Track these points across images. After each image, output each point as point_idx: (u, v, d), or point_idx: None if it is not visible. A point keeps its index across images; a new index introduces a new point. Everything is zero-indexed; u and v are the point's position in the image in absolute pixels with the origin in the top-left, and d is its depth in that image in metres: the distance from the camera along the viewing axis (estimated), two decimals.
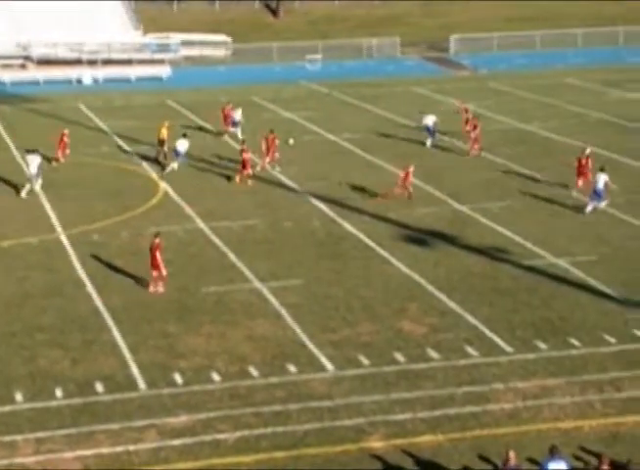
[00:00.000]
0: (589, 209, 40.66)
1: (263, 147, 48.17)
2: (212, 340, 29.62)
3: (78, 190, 45.62)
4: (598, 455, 22.28)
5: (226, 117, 55.66)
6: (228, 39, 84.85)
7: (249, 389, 26.61)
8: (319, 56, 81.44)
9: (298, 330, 30.18)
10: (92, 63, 78.66)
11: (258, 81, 73.69)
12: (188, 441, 24.19)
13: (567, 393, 26.18)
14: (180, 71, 78.39)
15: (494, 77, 74.10)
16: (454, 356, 28.29)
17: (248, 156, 46.45)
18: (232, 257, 36.27)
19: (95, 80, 76.13)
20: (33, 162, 44.80)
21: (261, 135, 49.22)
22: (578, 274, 34.25)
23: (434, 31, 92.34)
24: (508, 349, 28.76)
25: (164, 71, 77.52)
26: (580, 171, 43.77)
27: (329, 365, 27.90)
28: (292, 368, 27.74)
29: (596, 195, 40.71)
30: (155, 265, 33.03)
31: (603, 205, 40.92)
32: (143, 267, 34.09)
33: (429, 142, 52.65)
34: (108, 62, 78.73)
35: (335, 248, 37.41)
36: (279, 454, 23.58)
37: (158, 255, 32.96)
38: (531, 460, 22.67)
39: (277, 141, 48.56)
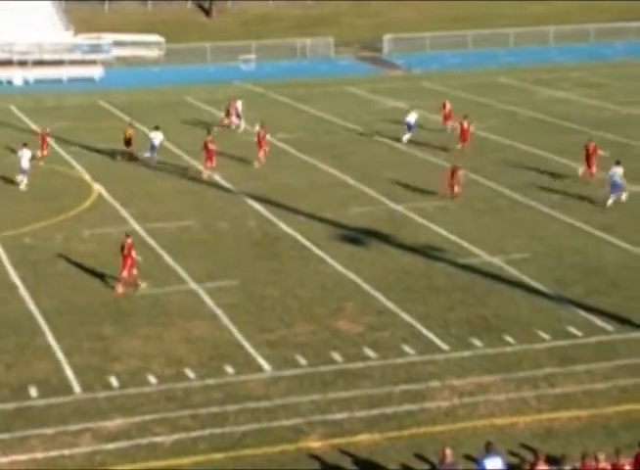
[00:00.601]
0: (610, 202, 41.47)
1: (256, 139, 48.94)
2: (148, 342, 29.42)
3: (9, 192, 45.06)
4: (534, 451, 22.50)
5: (229, 111, 56.98)
6: (161, 39, 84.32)
7: (185, 391, 26.47)
8: (253, 56, 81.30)
9: (235, 331, 30.10)
10: (23, 63, 77.76)
11: (192, 82, 73.36)
12: (124, 444, 23.99)
13: (502, 389, 26.39)
14: (112, 72, 77.80)
15: (428, 77, 74.53)
16: (391, 355, 28.39)
17: (214, 147, 46.63)
18: (167, 258, 36.08)
19: (26, 81, 75.29)
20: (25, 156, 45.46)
21: (199, 136, 48.91)
22: (513, 272, 34.56)
23: (367, 31, 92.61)
24: (444, 347, 28.93)
25: (96, 72, 76.87)
26: (587, 161, 44.94)
27: (266, 366, 27.86)
28: (229, 369, 27.64)
29: (614, 187, 41.61)
30: (126, 266, 32.92)
31: (624, 196, 41.91)
32: (76, 270, 33.73)
33: (405, 137, 53.08)
34: (39, 62, 77.83)
35: (271, 248, 37.37)
36: (217, 456, 23.49)
37: (133, 254, 32.97)
38: (468, 457, 22.81)
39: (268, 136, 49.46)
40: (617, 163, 42.20)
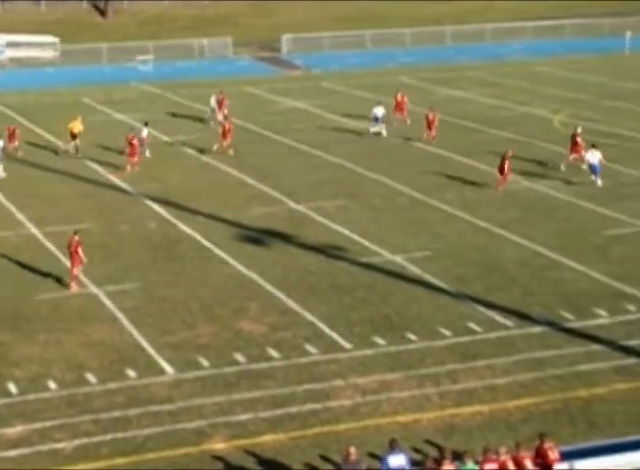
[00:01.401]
0: (599, 183, 43.64)
1: None
2: (48, 347, 28.94)
3: None
4: (438, 447, 22.70)
5: (220, 105, 57.44)
6: (55, 40, 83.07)
7: (86, 396, 26.09)
8: (150, 56, 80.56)
9: (136, 334, 29.78)
10: None
11: (88, 83, 72.42)
12: (24, 451, 23.56)
13: (405, 387, 26.57)
14: (6, 74, 76.42)
15: (327, 77, 74.74)
16: (294, 355, 28.38)
17: (137, 143, 46.90)
18: (66, 262, 35.53)
19: None
20: None
21: (97, 137, 48.29)
22: (414, 270, 34.82)
23: (266, 31, 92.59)
24: (347, 345, 29.01)
25: None
26: (573, 148, 46.47)
27: (168, 368, 27.61)
28: (131, 373, 27.34)
29: (592, 170, 44.11)
30: (75, 263, 33.06)
31: (599, 181, 44.13)
32: None
33: (372, 129, 54.09)
34: None
35: (171, 250, 37.07)
36: (120, 460, 23.20)
37: (80, 251, 32.90)
38: (372, 455, 22.90)
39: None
40: (593, 146, 44.65)
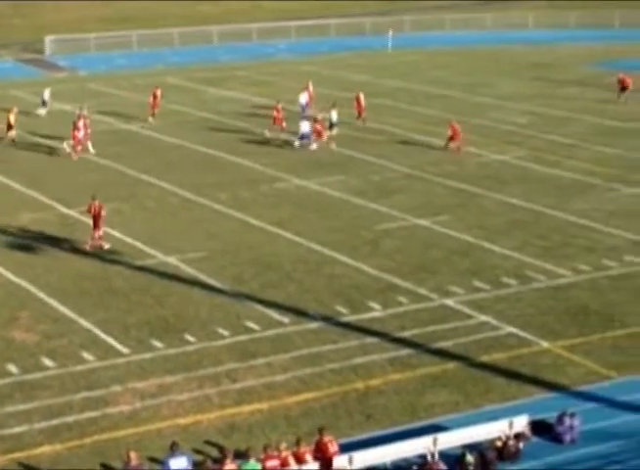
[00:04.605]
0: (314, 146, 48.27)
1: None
2: None
3: None
4: (220, 448, 22.75)
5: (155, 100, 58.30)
6: None
7: None
8: None
9: None
10: None
11: None
12: None
13: (184, 389, 26.45)
14: None
15: (94, 78, 73.42)
16: (70, 363, 27.80)
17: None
18: None
19: None
20: None
21: None
22: (189, 271, 34.71)
23: (28, 32, 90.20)
24: (124, 350, 28.64)
25: None
26: (453, 137, 50.39)
27: None
28: None
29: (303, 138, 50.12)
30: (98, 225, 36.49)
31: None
32: None
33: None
34: None
35: None
36: None
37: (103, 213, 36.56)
38: (153, 459, 22.72)
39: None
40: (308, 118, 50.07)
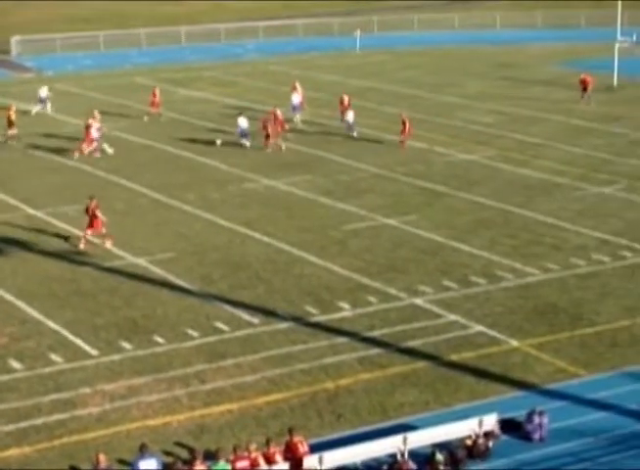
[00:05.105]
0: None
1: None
2: None
3: None
4: (189, 449, 22.68)
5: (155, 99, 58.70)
6: None
7: None
8: None
9: None
10: None
11: None
12: None
13: (154, 390, 26.35)
14: None
15: (61, 79, 73.01)
16: (38, 365, 27.63)
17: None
18: None
19: None
20: None
21: None
22: (158, 272, 34.59)
23: None
24: (93, 352, 28.50)
25: None
26: (404, 130, 51.27)
27: None
28: None
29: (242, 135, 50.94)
30: (96, 225, 36.71)
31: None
32: None
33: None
34: None
35: None
36: None
37: (98, 214, 36.74)
38: (122, 461, 22.63)
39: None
40: (240, 113, 51.44)
